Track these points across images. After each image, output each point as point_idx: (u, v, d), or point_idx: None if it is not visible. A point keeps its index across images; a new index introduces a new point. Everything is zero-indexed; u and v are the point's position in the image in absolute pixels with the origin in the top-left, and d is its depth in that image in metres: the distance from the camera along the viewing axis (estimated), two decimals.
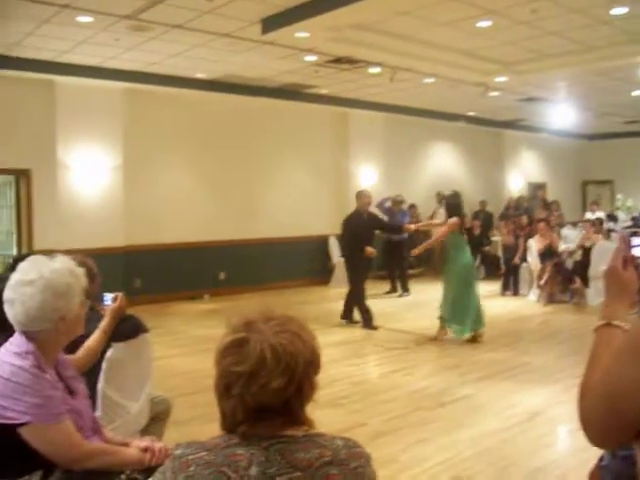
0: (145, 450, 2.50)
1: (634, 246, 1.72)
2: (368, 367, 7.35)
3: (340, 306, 9.87)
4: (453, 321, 8.44)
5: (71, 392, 2.51)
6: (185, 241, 12.07)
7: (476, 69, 10.82)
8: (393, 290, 12.79)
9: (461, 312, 8.32)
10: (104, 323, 3.27)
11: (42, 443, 2.30)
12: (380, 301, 11.34)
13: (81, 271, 2.55)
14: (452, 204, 8.58)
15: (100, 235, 10.74)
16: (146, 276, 11.61)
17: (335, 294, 12.58)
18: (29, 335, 2.40)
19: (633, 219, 15.57)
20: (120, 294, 3.37)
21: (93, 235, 10.64)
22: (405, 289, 12.66)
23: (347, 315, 9.74)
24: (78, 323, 2.55)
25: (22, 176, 10.56)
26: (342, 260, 13.20)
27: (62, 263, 2.47)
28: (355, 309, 9.66)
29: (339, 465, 1.52)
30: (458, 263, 8.44)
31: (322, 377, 5.82)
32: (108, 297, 3.44)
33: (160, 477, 1.58)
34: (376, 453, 4.70)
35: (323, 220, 13.93)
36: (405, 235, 12.19)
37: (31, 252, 9.74)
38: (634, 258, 1.68)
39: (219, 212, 12.60)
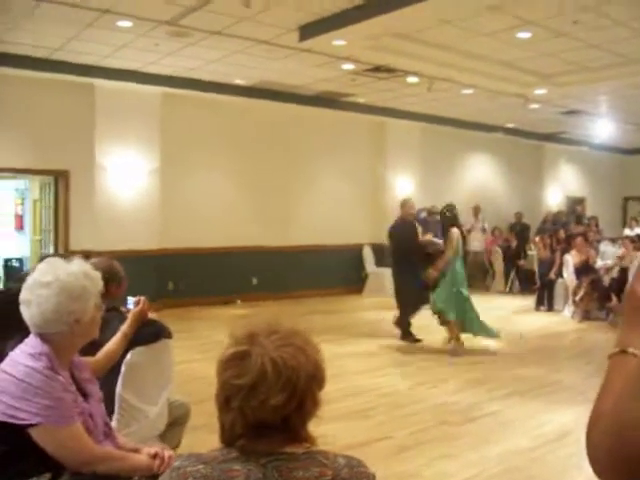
0: (154, 457, 2.48)
1: None
2: (396, 379, 7.24)
3: (372, 315, 9.74)
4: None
5: (85, 395, 2.50)
6: (219, 246, 12.11)
7: (515, 80, 10.70)
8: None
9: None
10: (125, 326, 3.27)
11: (52, 445, 2.30)
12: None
13: (97, 274, 2.55)
14: (450, 216, 8.52)
15: (135, 237, 10.85)
16: (179, 279, 11.69)
17: (368, 304, 12.53)
18: (44, 337, 2.40)
19: None
20: (143, 298, 3.37)
21: (128, 237, 10.74)
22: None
23: (405, 335, 9.16)
24: (93, 326, 2.55)
25: (61, 177, 10.72)
26: (376, 270, 13.24)
27: (78, 266, 2.47)
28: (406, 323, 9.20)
29: None
30: (458, 269, 8.44)
31: (348, 388, 5.82)
32: (131, 301, 3.45)
33: None
34: (400, 467, 4.70)
35: (358, 229, 13.89)
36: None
37: (67, 252, 9.88)
38: None
39: (254, 218, 12.63)
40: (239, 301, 12.01)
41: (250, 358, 1.51)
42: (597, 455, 1.36)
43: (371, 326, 9.58)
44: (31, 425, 2.25)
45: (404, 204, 9.43)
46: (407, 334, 9.06)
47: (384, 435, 5.35)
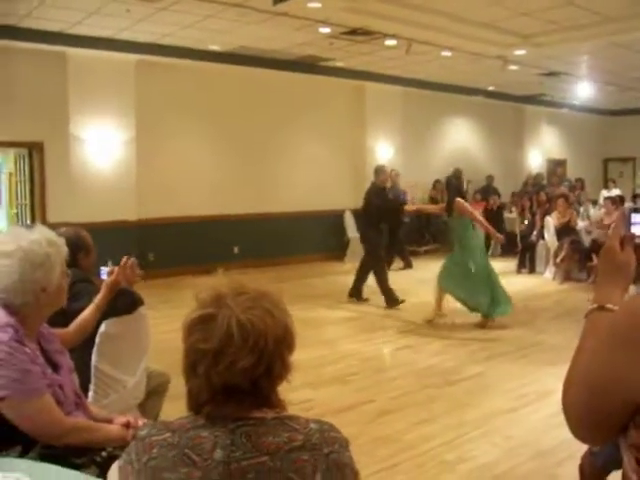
0: (127, 426, 2.43)
1: (634, 224, 1.58)
2: (378, 344, 7.25)
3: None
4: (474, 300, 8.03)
5: (54, 366, 2.44)
6: (199, 215, 12.00)
7: (494, 42, 10.58)
8: (408, 265, 12.73)
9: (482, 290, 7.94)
10: (99, 297, 3.19)
11: (21, 418, 2.25)
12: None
13: (61, 241, 2.47)
14: (454, 182, 8.40)
15: (113, 208, 10.70)
16: (159, 250, 11.57)
17: (350, 269, 12.49)
18: (9, 308, 2.34)
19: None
20: (116, 268, 3.29)
21: (106, 208, 10.60)
22: (408, 264, 12.75)
23: (355, 293, 9.49)
24: (60, 294, 2.48)
25: (35, 149, 10.52)
26: (357, 235, 13.17)
27: (41, 233, 2.40)
28: (362, 286, 9.46)
29: (310, 450, 1.43)
30: (475, 242, 8.19)
31: (330, 353, 5.80)
32: (104, 270, 3.38)
33: (126, 458, 1.51)
34: (380, 431, 4.70)
35: (338, 194, 13.80)
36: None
37: (45, 225, 9.73)
38: (633, 237, 1.54)
39: (233, 186, 12.51)
40: (220, 270, 11.93)
41: (216, 321, 1.46)
42: (572, 414, 1.33)
43: (348, 293, 9.58)
44: None
45: (377, 171, 9.52)
46: (392, 300, 9.08)
47: (365, 400, 5.35)
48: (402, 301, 9.08)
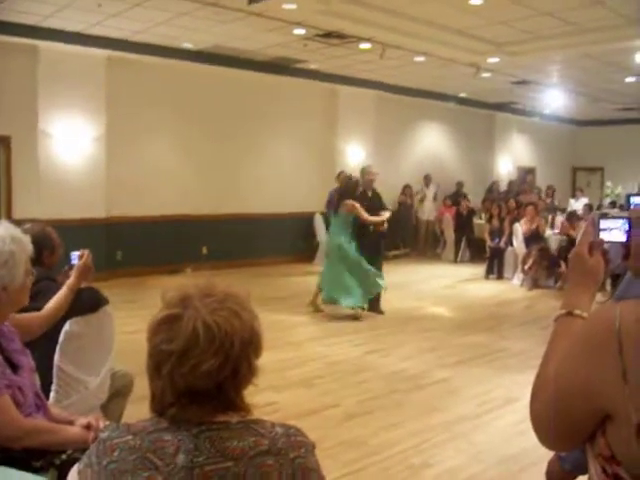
0: (88, 428, 2.38)
1: (602, 229, 1.59)
2: (345, 347, 7.22)
3: None
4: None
5: (13, 366, 2.38)
6: (168, 214, 11.88)
7: (468, 49, 10.64)
8: None
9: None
10: (70, 280, 3.15)
11: None
12: None
13: (26, 238, 2.41)
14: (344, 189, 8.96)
15: (81, 206, 10.55)
16: (127, 249, 11.44)
17: (318, 272, 12.47)
18: None
19: (612, 203, 15.50)
20: (86, 251, 3.24)
21: (74, 206, 10.45)
22: None
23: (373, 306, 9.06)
24: (23, 293, 2.42)
25: (1, 143, 10.32)
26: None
27: (5, 230, 2.33)
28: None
29: (276, 455, 1.40)
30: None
31: (297, 356, 5.75)
32: (75, 255, 3.32)
33: (86, 461, 1.46)
34: (346, 435, 4.68)
35: (309, 197, 13.75)
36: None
37: (10, 221, 9.56)
38: (601, 242, 1.54)
39: (203, 186, 12.41)
40: (189, 270, 11.84)
41: (181, 322, 1.42)
42: (540, 420, 1.32)
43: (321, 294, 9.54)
44: None
45: (362, 172, 9.37)
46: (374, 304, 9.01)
47: (331, 403, 5.33)
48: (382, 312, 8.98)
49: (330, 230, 9.08)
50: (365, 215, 8.61)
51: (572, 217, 11.92)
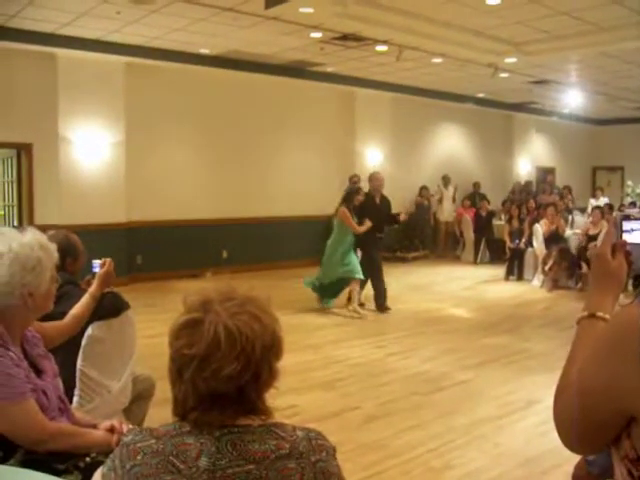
0: (112, 431, 2.40)
1: (625, 231, 1.58)
2: (366, 349, 7.22)
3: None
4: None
5: (38, 371, 2.41)
6: (188, 218, 11.96)
7: (485, 49, 10.60)
8: None
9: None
10: (92, 288, 3.18)
11: (3, 423, 2.21)
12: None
13: (53, 246, 2.45)
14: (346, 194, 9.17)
15: (102, 211, 10.65)
16: (148, 253, 11.53)
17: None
18: None
19: (632, 204, 15.36)
20: (108, 259, 3.27)
21: (94, 211, 10.55)
22: None
23: (380, 306, 9.24)
24: (48, 299, 2.45)
25: (24, 150, 10.45)
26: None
27: (33, 236, 2.36)
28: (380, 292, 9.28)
29: (297, 458, 1.42)
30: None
31: (317, 359, 5.76)
32: (96, 263, 3.36)
33: (109, 464, 1.48)
34: (366, 438, 4.68)
35: (327, 200, 13.70)
36: None
37: (32, 227, 9.64)
38: (624, 244, 1.53)
39: (223, 190, 12.47)
40: (209, 274, 11.90)
41: (203, 326, 1.44)
42: (563, 424, 1.32)
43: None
44: None
45: (370, 178, 9.59)
46: (383, 304, 9.13)
47: (353, 406, 5.32)
48: (387, 309, 9.17)
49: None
50: (353, 224, 8.82)
51: (603, 212, 11.82)
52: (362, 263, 8.97)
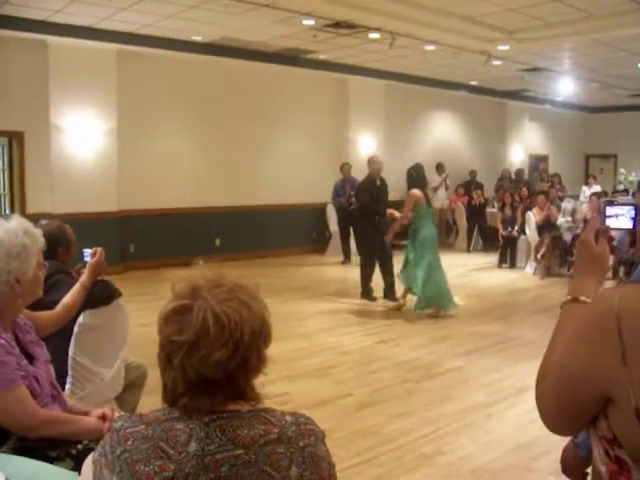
0: (103, 418, 2.41)
1: (609, 216, 1.59)
2: (357, 337, 7.24)
3: (334, 274, 9.73)
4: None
5: (30, 357, 2.42)
6: (180, 207, 11.94)
7: (478, 36, 10.60)
8: (347, 259, 12.56)
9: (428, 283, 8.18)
10: (84, 277, 3.18)
11: None
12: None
13: (38, 231, 2.45)
14: (413, 176, 8.54)
15: (94, 199, 10.61)
16: (140, 241, 11.52)
17: (330, 263, 12.52)
18: None
19: (625, 191, 15.37)
20: (99, 249, 3.28)
21: (87, 199, 10.51)
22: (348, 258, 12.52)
23: (364, 293, 9.18)
24: (36, 285, 2.46)
25: (15, 138, 10.40)
26: (339, 229, 13.09)
27: (17, 223, 2.37)
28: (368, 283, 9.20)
29: (286, 443, 1.42)
30: (427, 233, 8.35)
31: (309, 346, 5.77)
32: (87, 252, 3.36)
33: (100, 450, 1.49)
34: (358, 425, 4.70)
35: (321, 187, 13.74)
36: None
37: (24, 215, 9.62)
38: (607, 229, 1.55)
39: (215, 178, 12.45)
40: (201, 262, 11.90)
41: (191, 312, 1.44)
42: (544, 403, 1.34)
43: (333, 285, 9.56)
44: None
45: (370, 161, 9.46)
46: (366, 292, 9.09)
47: (345, 393, 5.35)
48: (374, 298, 9.06)
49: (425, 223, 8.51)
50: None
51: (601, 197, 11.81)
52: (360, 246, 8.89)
